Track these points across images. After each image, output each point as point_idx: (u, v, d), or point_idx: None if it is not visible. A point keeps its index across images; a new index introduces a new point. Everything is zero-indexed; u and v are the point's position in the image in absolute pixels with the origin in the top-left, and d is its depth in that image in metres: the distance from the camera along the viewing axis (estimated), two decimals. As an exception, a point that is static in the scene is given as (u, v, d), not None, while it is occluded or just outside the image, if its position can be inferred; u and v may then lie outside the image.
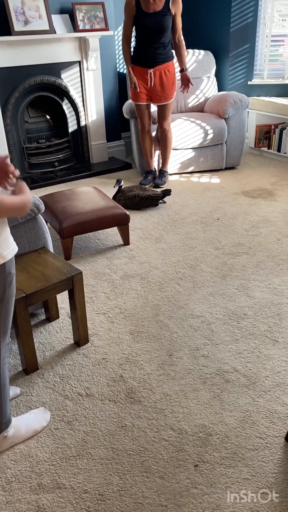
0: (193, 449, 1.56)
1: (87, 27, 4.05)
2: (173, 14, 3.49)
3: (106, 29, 4.13)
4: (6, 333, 1.41)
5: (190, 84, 3.79)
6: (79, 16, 3.99)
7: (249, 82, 4.69)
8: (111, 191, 3.92)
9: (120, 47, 4.55)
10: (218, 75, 4.72)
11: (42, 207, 2.01)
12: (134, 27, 3.58)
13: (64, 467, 1.51)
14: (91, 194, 3.07)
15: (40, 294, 1.79)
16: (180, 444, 1.58)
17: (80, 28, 4.01)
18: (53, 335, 2.14)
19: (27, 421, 1.63)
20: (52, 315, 2.24)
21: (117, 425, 1.66)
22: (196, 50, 4.46)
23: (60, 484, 1.46)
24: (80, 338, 2.04)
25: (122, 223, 2.90)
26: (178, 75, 3.85)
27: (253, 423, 1.65)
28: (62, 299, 2.39)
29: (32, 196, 1.34)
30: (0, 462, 1.53)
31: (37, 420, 1.65)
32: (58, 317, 2.27)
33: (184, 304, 2.34)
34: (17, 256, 2.01)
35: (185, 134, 4.05)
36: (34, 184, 4.11)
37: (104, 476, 1.48)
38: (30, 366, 1.90)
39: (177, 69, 3.80)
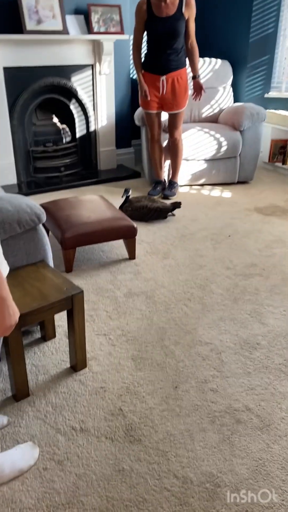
0: (199, 502, 1.37)
1: (102, 29, 3.91)
2: (186, 18, 3.33)
3: (122, 32, 3.99)
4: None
5: (202, 92, 3.63)
6: (94, 18, 3.86)
7: (266, 95, 4.53)
8: (118, 200, 3.76)
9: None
10: (234, 85, 4.58)
11: (43, 217, 1.84)
12: (146, 33, 3.43)
13: (51, 517, 1.32)
14: (97, 203, 2.90)
15: (35, 314, 1.61)
16: (184, 496, 1.39)
17: (95, 30, 3.87)
18: (48, 357, 1.96)
19: (12, 459, 1.44)
20: (48, 333, 2.06)
21: (114, 468, 1.47)
22: (213, 59, 4.31)
23: (45, 540, 1.27)
24: (77, 362, 1.86)
25: (128, 236, 2.72)
26: (190, 83, 3.69)
27: (267, 474, 1.46)
28: (60, 316, 2.21)
29: (14, 321, 1.06)
30: (-21, 507, 1.34)
31: (24, 458, 1.46)
32: (54, 336, 2.08)
33: (192, 329, 2.16)
34: (13, 270, 1.84)
35: (198, 145, 3.89)
36: (38, 188, 3.95)
37: (96, 532, 1.29)
38: (20, 392, 1.71)
39: (189, 75, 3.64)
